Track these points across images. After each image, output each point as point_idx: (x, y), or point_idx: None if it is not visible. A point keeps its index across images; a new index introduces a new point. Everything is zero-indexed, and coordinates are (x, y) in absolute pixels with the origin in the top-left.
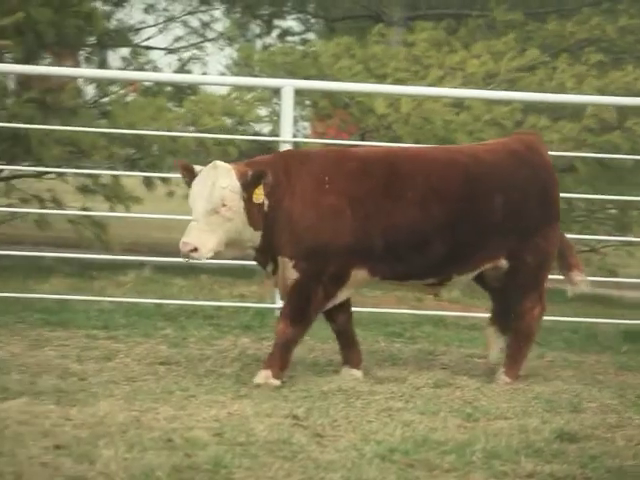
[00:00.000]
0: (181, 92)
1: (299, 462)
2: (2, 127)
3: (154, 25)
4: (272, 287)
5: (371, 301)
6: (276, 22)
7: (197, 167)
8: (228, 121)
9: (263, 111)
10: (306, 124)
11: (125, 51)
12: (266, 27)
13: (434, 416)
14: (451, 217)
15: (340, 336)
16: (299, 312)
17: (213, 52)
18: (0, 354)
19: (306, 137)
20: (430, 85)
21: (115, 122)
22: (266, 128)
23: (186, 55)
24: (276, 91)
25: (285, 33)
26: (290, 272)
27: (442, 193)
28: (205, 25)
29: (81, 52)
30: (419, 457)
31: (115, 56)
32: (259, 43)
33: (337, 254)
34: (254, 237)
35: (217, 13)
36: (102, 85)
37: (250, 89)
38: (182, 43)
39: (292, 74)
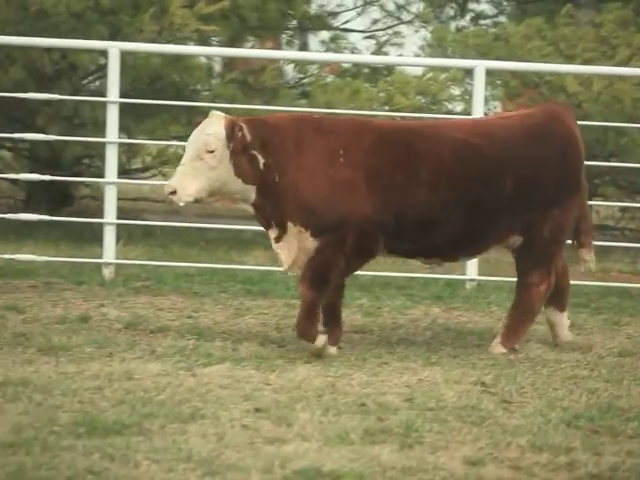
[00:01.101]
0: (378, 73)
1: (487, 427)
2: (206, 106)
3: (352, 9)
4: (278, 255)
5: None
6: (470, 6)
7: None
8: (422, 100)
9: (456, 91)
10: (496, 103)
11: (325, 34)
12: (460, 10)
13: (618, 384)
14: (462, 200)
15: (326, 309)
16: (319, 276)
17: (408, 34)
18: (205, 322)
19: None
20: (618, 65)
21: (314, 102)
22: (458, 107)
23: (383, 37)
24: (468, 71)
25: (478, 16)
26: (309, 241)
27: (454, 175)
28: (401, 8)
29: (283, 35)
30: (604, 423)
31: (315, 39)
32: (452, 25)
33: (356, 226)
34: (245, 191)
35: None
36: (302, 67)
37: (444, 69)
38: (379, 25)
39: (484, 55)
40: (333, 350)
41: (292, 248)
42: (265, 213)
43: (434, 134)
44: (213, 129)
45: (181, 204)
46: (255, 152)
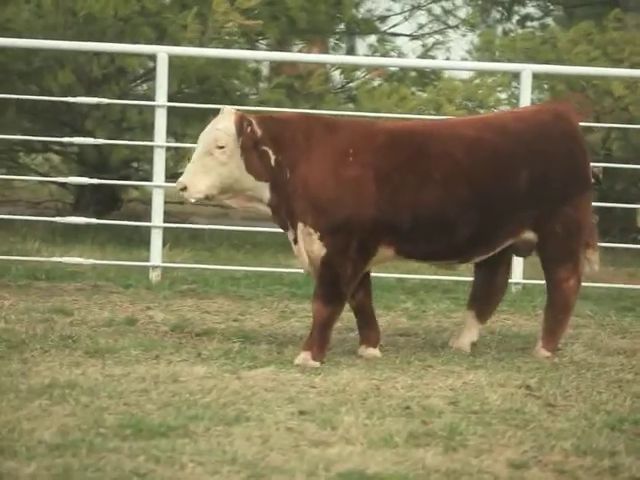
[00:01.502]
0: (425, 77)
1: (531, 430)
2: (253, 110)
3: (400, 13)
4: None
5: (603, 277)
6: (516, 8)
7: None
8: (469, 105)
9: (502, 95)
10: None
11: (372, 38)
12: (506, 13)
13: None
14: (477, 198)
15: (358, 313)
16: (331, 291)
17: (455, 38)
18: (250, 325)
19: None
20: None
21: (360, 107)
22: None
23: (429, 41)
24: (515, 75)
25: (524, 19)
26: (317, 245)
27: (468, 173)
28: (447, 12)
29: (330, 39)
30: None
31: (362, 43)
32: (499, 29)
33: (362, 227)
34: (258, 188)
35: (459, 1)
36: (348, 71)
37: (490, 73)
38: (426, 30)
39: (531, 59)
40: (376, 352)
41: (303, 251)
42: (281, 213)
43: (445, 133)
44: (223, 124)
45: (192, 201)
46: (266, 148)
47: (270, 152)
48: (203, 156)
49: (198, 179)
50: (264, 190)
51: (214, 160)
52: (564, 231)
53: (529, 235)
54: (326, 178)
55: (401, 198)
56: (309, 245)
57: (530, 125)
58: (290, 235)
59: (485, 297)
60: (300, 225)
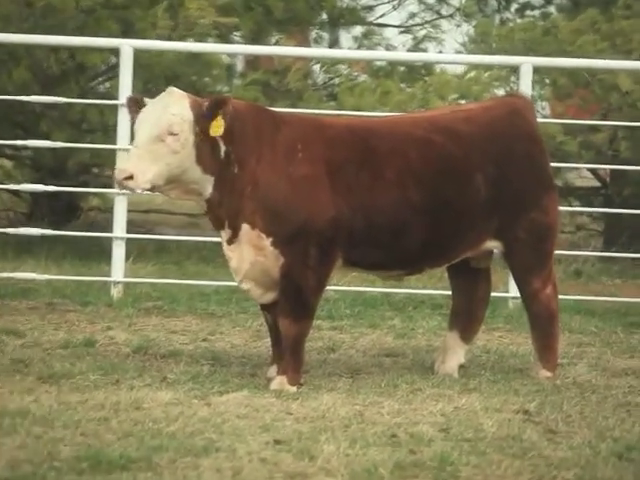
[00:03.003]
0: (415, 72)
1: (529, 460)
2: None
3: (388, 2)
4: (229, 261)
5: (609, 290)
6: None
7: (148, 100)
8: (462, 103)
9: (500, 91)
10: (544, 104)
11: (358, 30)
12: (504, 1)
13: None
14: (429, 204)
15: (274, 330)
16: (297, 305)
17: (449, 29)
18: (221, 346)
19: (545, 117)
20: None
21: (341, 104)
22: None
23: (421, 33)
24: (514, 69)
25: (524, 7)
26: (268, 251)
27: (419, 176)
28: (441, 1)
29: (311, 31)
30: None
31: (347, 35)
32: (497, 18)
33: (320, 231)
34: (202, 182)
35: None
36: (331, 66)
37: (487, 67)
38: (416, 20)
39: (531, 51)
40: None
41: (244, 256)
42: (219, 210)
43: (394, 132)
44: (178, 110)
45: (138, 191)
46: (218, 138)
47: (221, 143)
48: (152, 142)
49: (146, 167)
50: (208, 184)
51: (165, 147)
52: (532, 237)
53: (492, 245)
54: (278, 178)
55: (355, 199)
56: (259, 250)
57: (482, 125)
58: (224, 235)
59: (467, 314)
60: (246, 227)
